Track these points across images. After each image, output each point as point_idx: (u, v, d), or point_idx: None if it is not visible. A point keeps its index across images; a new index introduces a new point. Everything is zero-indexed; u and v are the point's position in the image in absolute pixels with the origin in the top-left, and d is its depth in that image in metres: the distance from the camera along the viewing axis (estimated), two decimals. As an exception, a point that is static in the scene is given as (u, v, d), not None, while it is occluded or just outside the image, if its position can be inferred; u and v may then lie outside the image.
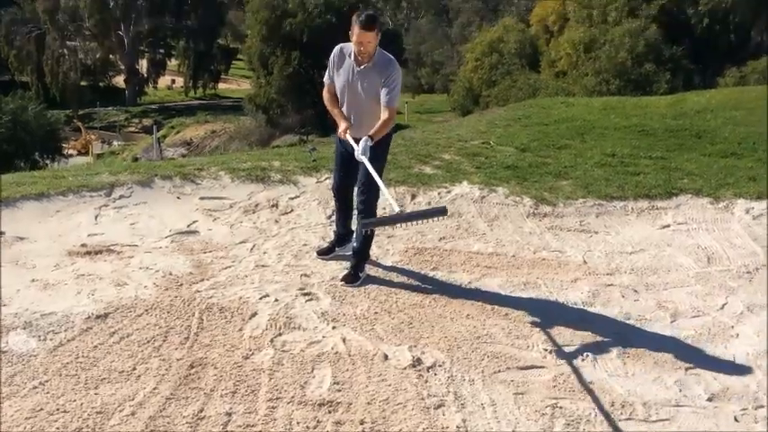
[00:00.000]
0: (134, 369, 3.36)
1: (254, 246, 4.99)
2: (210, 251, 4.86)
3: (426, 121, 35.74)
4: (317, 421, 3.07)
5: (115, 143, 43.14)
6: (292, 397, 3.22)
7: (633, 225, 5.86)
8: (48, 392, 3.14)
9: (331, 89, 4.49)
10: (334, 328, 3.88)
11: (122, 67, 53.56)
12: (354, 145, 4.19)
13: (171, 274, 4.45)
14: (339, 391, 3.29)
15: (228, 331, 3.79)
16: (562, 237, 5.54)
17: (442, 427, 3.09)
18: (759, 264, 5.07)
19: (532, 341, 3.88)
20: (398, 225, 4.29)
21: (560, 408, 3.29)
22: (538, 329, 4.00)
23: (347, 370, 3.47)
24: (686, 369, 3.68)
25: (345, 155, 4.49)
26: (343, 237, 4.85)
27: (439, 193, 6.18)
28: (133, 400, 3.12)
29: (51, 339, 3.59)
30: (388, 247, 5.06)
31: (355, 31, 4.14)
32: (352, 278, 4.48)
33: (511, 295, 4.46)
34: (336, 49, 4.44)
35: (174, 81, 58.28)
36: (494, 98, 33.62)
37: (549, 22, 39.09)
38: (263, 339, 3.71)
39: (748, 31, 34.13)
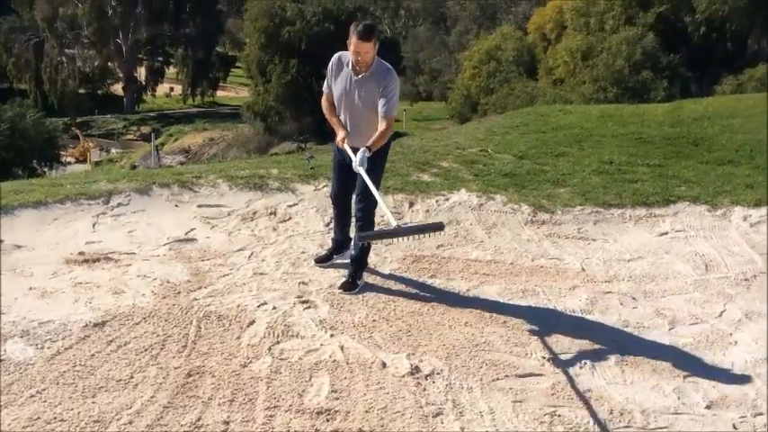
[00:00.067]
0: (131, 377, 3.36)
1: (252, 253, 4.99)
2: (208, 259, 4.86)
3: (424, 129, 35.78)
4: (315, 430, 3.07)
5: (113, 151, 43.13)
6: (290, 405, 3.22)
7: (631, 232, 5.86)
8: (45, 401, 3.13)
9: (329, 98, 4.50)
10: (332, 335, 3.88)
11: (121, 74, 53.59)
12: (352, 155, 4.21)
13: (168, 281, 4.44)
14: (337, 399, 3.29)
15: (226, 339, 3.78)
16: (560, 244, 5.54)
17: (441, 436, 3.09)
18: (757, 271, 5.08)
19: (531, 349, 3.87)
20: (395, 239, 4.30)
21: (559, 415, 3.28)
22: (536, 337, 4.00)
23: (345, 378, 3.46)
24: (684, 377, 3.68)
25: (344, 163, 4.50)
26: (341, 244, 4.85)
27: (437, 201, 6.18)
28: (131, 408, 3.11)
29: (49, 348, 3.58)
30: (386, 255, 5.06)
31: (353, 41, 4.15)
32: (350, 286, 4.48)
33: (509, 303, 4.46)
34: (334, 57, 4.45)
35: (172, 89, 58.33)
36: (492, 106, 33.69)
37: (547, 30, 39.24)
38: (260, 347, 3.71)
39: (745, 39, 34.27)
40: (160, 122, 47.88)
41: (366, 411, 3.21)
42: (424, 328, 4.03)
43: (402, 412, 3.22)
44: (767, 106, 11.02)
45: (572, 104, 19.73)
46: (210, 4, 52.40)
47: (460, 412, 3.25)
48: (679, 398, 3.49)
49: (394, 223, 3.82)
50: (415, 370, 3.55)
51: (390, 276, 4.76)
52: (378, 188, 4.55)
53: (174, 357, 3.56)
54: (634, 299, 4.61)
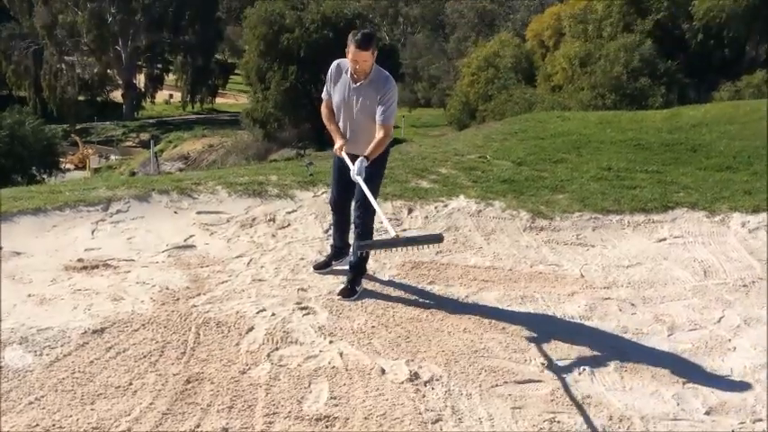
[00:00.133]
0: (130, 384, 3.35)
1: (251, 260, 4.99)
2: (207, 265, 4.86)
3: (423, 135, 35.88)
4: (314, 436, 3.07)
5: (112, 157, 43.15)
6: (289, 412, 3.21)
7: (630, 239, 5.87)
8: (44, 408, 3.13)
9: (329, 104, 4.52)
10: (331, 342, 3.88)
11: (120, 81, 53.65)
12: (350, 164, 4.22)
13: (168, 288, 4.44)
14: (336, 405, 3.29)
15: (225, 346, 3.78)
16: (559, 250, 5.55)
17: (440, 442, 3.09)
18: (755, 277, 5.09)
19: (530, 355, 3.87)
20: (393, 249, 4.30)
21: (558, 422, 3.28)
22: (535, 343, 4.00)
23: (344, 384, 3.46)
24: (684, 383, 3.68)
25: (343, 169, 4.50)
26: (340, 250, 4.85)
27: (436, 207, 6.19)
28: (129, 415, 3.11)
29: (47, 354, 3.57)
30: (384, 261, 5.06)
31: (351, 50, 4.17)
32: (349, 292, 4.48)
33: (508, 309, 4.46)
34: (333, 64, 4.47)
35: (171, 96, 58.43)
36: (490, 112, 33.75)
37: (545, 37, 39.35)
38: (259, 354, 3.70)
39: (742, 45, 34.37)
40: (159, 129, 47.90)
41: (365, 418, 3.21)
42: (423, 335, 4.03)
43: (401, 419, 3.21)
44: (766, 112, 11.05)
45: (570, 111, 19.77)
46: (210, 11, 52.52)
47: (459, 419, 3.25)
48: (678, 404, 3.49)
49: (393, 233, 3.82)
50: (414, 376, 3.55)
51: (389, 283, 4.76)
52: (377, 195, 4.57)
53: (172, 364, 3.56)
54: (633, 305, 4.61)
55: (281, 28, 34.66)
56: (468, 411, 3.31)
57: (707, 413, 3.43)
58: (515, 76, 37.10)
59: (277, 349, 3.76)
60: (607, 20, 33.96)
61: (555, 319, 4.37)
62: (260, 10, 35.60)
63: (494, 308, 4.45)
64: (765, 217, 6.19)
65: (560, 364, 3.80)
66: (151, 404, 3.20)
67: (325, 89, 4.52)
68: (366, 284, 4.63)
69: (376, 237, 4.63)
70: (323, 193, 6.17)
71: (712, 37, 32.53)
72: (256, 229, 5.56)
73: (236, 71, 53.78)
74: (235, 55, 58.56)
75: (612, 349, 3.99)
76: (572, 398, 3.47)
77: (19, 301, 4.14)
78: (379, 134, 4.25)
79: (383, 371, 3.59)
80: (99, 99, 54.26)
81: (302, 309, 4.26)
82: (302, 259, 5.04)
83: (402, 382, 3.50)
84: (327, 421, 3.16)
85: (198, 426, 3.07)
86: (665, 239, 5.85)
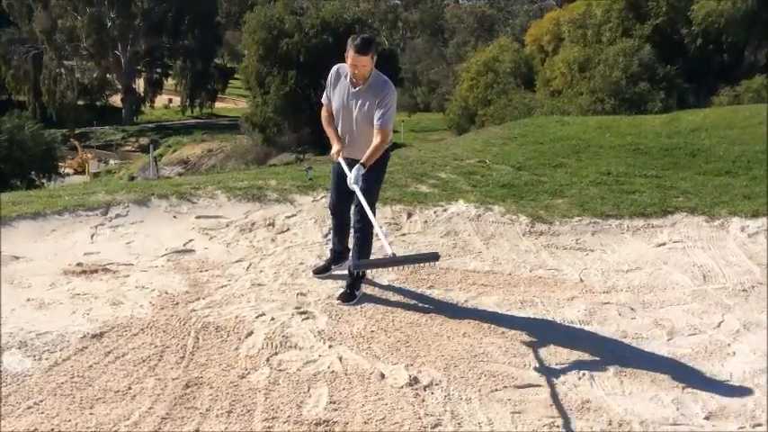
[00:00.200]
0: (129, 389, 3.35)
1: (250, 264, 4.99)
2: (206, 270, 4.86)
3: (422, 140, 35.89)
4: (314, 441, 3.06)
5: (112, 162, 43.14)
6: (288, 416, 3.21)
7: (629, 243, 5.87)
8: (42, 412, 3.12)
9: (328, 109, 4.54)
10: (330, 346, 3.87)
11: (119, 86, 53.70)
12: (347, 171, 4.24)
13: (167, 293, 4.44)
14: (335, 410, 3.28)
15: (224, 350, 3.77)
16: (558, 255, 5.55)
17: (439, 447, 3.08)
18: (755, 281, 5.09)
19: (529, 360, 3.87)
20: (390, 268, 4.33)
21: (557, 427, 3.28)
22: (535, 348, 4.00)
23: (344, 389, 3.45)
24: (683, 387, 3.68)
25: (342, 174, 4.50)
26: (339, 254, 4.85)
27: (435, 212, 6.19)
28: (128, 419, 3.10)
29: (46, 359, 3.57)
30: (384, 266, 5.06)
31: (350, 54, 4.18)
32: (349, 297, 4.48)
33: (507, 314, 4.45)
34: (333, 69, 4.49)
35: (170, 100, 58.45)
36: (489, 117, 33.75)
37: (544, 42, 39.40)
38: (259, 358, 3.70)
39: (741, 50, 34.41)
40: (159, 134, 47.90)
41: (364, 422, 3.20)
42: (422, 339, 4.02)
43: (401, 423, 3.21)
44: (765, 117, 11.06)
45: (569, 116, 19.79)
46: (209, 16, 52.58)
47: (459, 423, 3.25)
48: (678, 409, 3.49)
49: (390, 251, 3.83)
50: (413, 381, 3.55)
51: (389, 287, 4.76)
52: (377, 200, 4.60)
53: (172, 368, 3.55)
54: (632, 309, 4.61)
55: (280, 33, 34.68)
56: (467, 416, 3.31)
57: (706, 418, 3.43)
58: (514, 80, 37.12)
59: (276, 354, 3.76)
60: (606, 25, 33.99)
61: (554, 324, 4.37)
62: (259, 15, 35.65)
63: (493, 312, 4.45)
64: (764, 221, 6.19)
65: (560, 368, 3.80)
66: (150, 409, 3.19)
67: (325, 94, 4.54)
68: (365, 289, 4.63)
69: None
70: (322, 197, 6.18)
71: (711, 42, 32.57)
72: (256, 234, 5.56)
73: (235, 76, 53.92)
74: (234, 59, 58.62)
75: (612, 354, 3.99)
76: (571, 403, 3.47)
77: (18, 305, 4.13)
78: (376, 139, 4.26)
79: (382, 375, 3.59)
80: (98, 103, 54.26)
81: (301, 313, 4.25)
82: (301, 264, 5.04)
83: (401, 387, 3.50)
84: (327, 426, 3.15)
85: (197, 430, 3.07)
86: (664, 244, 5.85)
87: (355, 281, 4.56)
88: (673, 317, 4.50)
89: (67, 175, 36.56)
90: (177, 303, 4.29)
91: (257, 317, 4.16)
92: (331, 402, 3.33)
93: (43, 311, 4.09)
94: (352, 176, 4.17)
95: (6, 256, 4.79)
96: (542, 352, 3.96)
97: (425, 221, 6.01)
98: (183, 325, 4.01)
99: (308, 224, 5.80)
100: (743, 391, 3.67)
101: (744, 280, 5.11)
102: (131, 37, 51.11)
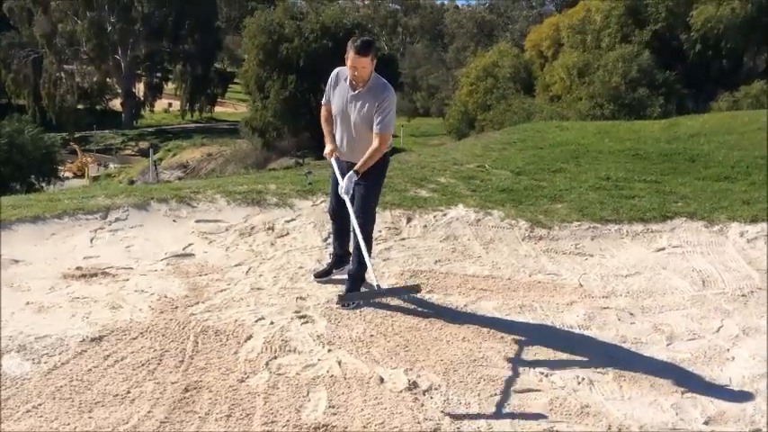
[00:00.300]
0: (128, 392, 3.34)
1: (249, 268, 4.99)
2: (206, 274, 4.86)
3: (422, 145, 35.96)
4: (313, 445, 3.06)
5: (111, 166, 43.18)
6: (287, 421, 3.20)
7: (628, 248, 5.87)
8: (41, 416, 3.12)
9: (328, 107, 4.58)
10: (329, 351, 3.87)
11: (119, 90, 53.80)
12: (340, 179, 4.28)
13: (166, 296, 4.44)
14: (335, 414, 3.28)
15: (224, 354, 3.77)
16: (558, 260, 5.55)
17: (439, 451, 3.08)
18: (754, 286, 5.09)
19: (528, 364, 3.87)
20: (376, 299, 4.45)
21: (556, 431, 3.27)
22: (534, 353, 4.00)
23: (343, 393, 3.45)
24: (682, 392, 3.67)
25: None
26: (340, 258, 4.85)
27: (435, 216, 6.19)
28: (127, 423, 3.10)
29: (45, 362, 3.57)
30: (383, 270, 5.06)
31: (350, 56, 4.19)
32: (347, 299, 4.47)
33: (507, 318, 4.45)
34: (333, 72, 4.51)
35: (170, 104, 58.53)
36: (489, 122, 33.82)
37: (544, 47, 39.50)
38: (258, 362, 3.70)
39: (740, 56, 34.50)
40: (158, 138, 47.95)
41: (364, 427, 3.20)
42: (421, 344, 4.02)
43: (400, 428, 3.20)
44: (765, 123, 11.08)
45: (569, 121, 19.82)
46: (209, 20, 52.68)
47: (458, 428, 3.24)
48: (677, 413, 3.48)
49: (375, 283, 4.01)
50: (412, 385, 3.54)
51: (388, 291, 4.75)
52: (376, 204, 4.61)
53: (171, 372, 3.55)
54: (632, 314, 4.61)
55: (280, 37, 34.75)
56: (466, 420, 3.30)
57: (706, 423, 3.42)
58: (514, 85, 37.22)
59: (275, 358, 3.76)
60: (605, 30, 34.10)
61: (553, 329, 4.36)
62: (259, 19, 35.71)
63: (492, 317, 4.45)
64: (764, 227, 6.19)
65: (559, 373, 3.79)
66: (149, 412, 3.19)
67: (325, 95, 4.57)
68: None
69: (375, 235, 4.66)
70: (321, 201, 6.18)
71: (710, 47, 32.65)
72: (255, 238, 5.57)
73: (235, 80, 53.96)
74: (234, 64, 58.75)
75: (611, 359, 3.99)
76: (571, 407, 3.46)
77: (17, 308, 4.13)
78: (374, 143, 4.27)
79: (382, 380, 3.59)
80: (98, 107, 54.39)
81: (301, 317, 4.25)
82: (301, 268, 5.04)
83: (400, 391, 3.49)
84: (326, 430, 3.15)
85: (196, 434, 3.06)
86: (663, 249, 5.86)
87: (355, 285, 4.56)
88: (672, 322, 4.50)
89: (67, 178, 36.58)
90: (176, 307, 4.29)
91: (256, 321, 4.16)
92: (330, 406, 3.33)
93: (42, 315, 4.09)
94: (344, 186, 4.22)
95: (6, 260, 4.79)
96: (541, 357, 3.96)
97: (425, 226, 6.01)
98: (183, 329, 4.01)
99: (307, 228, 5.80)
100: (742, 396, 3.67)
101: (743, 285, 5.11)
102: (131, 41, 51.21)
